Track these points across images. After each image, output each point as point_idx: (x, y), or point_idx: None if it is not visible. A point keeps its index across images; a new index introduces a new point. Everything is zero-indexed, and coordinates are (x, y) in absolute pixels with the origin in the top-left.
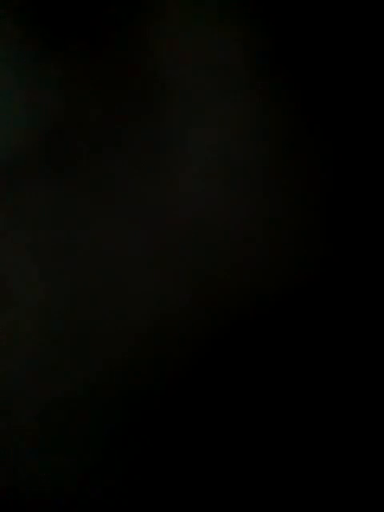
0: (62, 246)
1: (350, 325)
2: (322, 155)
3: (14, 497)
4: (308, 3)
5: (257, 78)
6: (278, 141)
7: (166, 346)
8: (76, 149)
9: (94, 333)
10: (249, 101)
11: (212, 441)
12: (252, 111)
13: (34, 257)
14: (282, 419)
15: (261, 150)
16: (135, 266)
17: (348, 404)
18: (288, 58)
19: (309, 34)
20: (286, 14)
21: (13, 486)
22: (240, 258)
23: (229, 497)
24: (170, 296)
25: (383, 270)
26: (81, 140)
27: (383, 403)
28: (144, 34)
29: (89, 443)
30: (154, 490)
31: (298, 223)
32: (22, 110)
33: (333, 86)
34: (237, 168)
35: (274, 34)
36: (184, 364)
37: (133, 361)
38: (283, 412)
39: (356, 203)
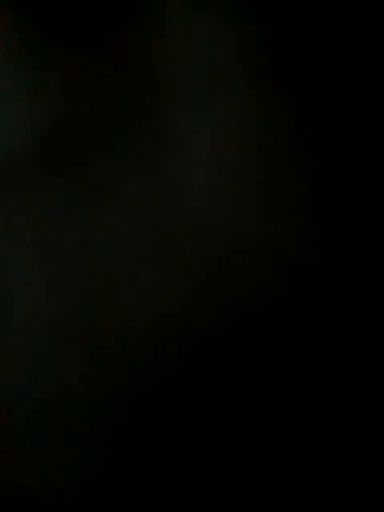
0: (62, 246)
1: (350, 325)
2: (323, 155)
3: (14, 497)
4: (308, 3)
5: (257, 78)
6: (278, 140)
7: (167, 346)
8: (76, 149)
9: (95, 332)
10: (249, 100)
11: (213, 440)
12: (252, 111)
13: (34, 257)
14: (282, 419)
15: (261, 150)
16: (135, 265)
17: (349, 404)
18: (288, 57)
19: (309, 33)
20: (286, 14)
21: (13, 485)
22: (240, 257)
23: (230, 497)
24: (170, 295)
25: (383, 270)
26: (81, 140)
27: (383, 403)
28: (144, 34)
29: (89, 443)
30: (154, 489)
31: (298, 223)
32: (21, 109)
33: (333, 85)
34: (237, 168)
35: (274, 34)
36: (184, 363)
37: (133, 360)
38: (284, 411)
39: (356, 202)
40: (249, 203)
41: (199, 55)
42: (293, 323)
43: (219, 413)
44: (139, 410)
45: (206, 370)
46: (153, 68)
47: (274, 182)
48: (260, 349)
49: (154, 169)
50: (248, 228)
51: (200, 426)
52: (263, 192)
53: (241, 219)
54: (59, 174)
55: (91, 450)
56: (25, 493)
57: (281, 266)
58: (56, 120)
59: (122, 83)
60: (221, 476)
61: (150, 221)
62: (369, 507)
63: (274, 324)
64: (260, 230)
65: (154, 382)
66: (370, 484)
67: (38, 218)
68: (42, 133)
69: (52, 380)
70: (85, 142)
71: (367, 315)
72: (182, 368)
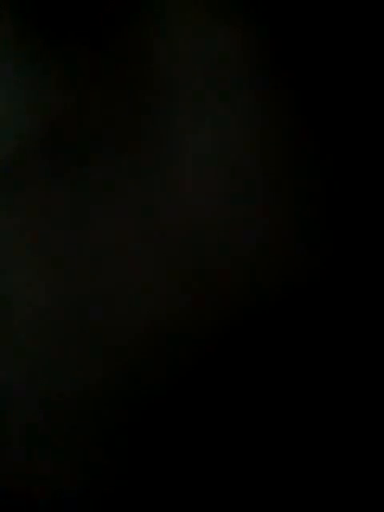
0: (62, 246)
1: (350, 325)
2: (323, 155)
3: (14, 497)
4: (308, 3)
5: (257, 78)
6: (278, 140)
7: (167, 347)
8: (76, 149)
9: (95, 333)
10: (249, 101)
11: (213, 441)
12: (252, 111)
13: (34, 257)
14: (282, 419)
15: (261, 150)
16: (135, 265)
17: (348, 403)
18: (288, 57)
19: (309, 33)
20: (286, 14)
21: (13, 485)
22: (240, 258)
23: (230, 497)
24: (171, 296)
25: (383, 270)
26: (81, 140)
27: (383, 402)
28: (144, 34)
29: (89, 443)
30: (154, 489)
31: (298, 223)
32: (22, 109)
33: (334, 85)
34: (237, 168)
35: (274, 34)
36: (185, 365)
37: (134, 361)
38: (283, 411)
39: (357, 203)
40: (248, 203)
41: (199, 55)
42: (293, 323)
43: (219, 413)
44: (139, 410)
45: (206, 370)
46: (153, 67)
47: (274, 181)
48: (260, 348)
49: (153, 168)
50: (248, 228)
51: (200, 426)
52: (263, 192)
53: (240, 219)
54: (59, 174)
55: (91, 450)
56: (25, 493)
57: (281, 266)
58: (56, 120)
59: (122, 82)
60: (221, 476)
61: (150, 220)
62: (369, 507)
63: (274, 324)
64: (260, 230)
65: (153, 382)
66: (370, 484)
67: (37, 217)
68: (42, 133)
69: (52, 380)
70: (85, 141)
71: (367, 315)
72: (181, 368)
